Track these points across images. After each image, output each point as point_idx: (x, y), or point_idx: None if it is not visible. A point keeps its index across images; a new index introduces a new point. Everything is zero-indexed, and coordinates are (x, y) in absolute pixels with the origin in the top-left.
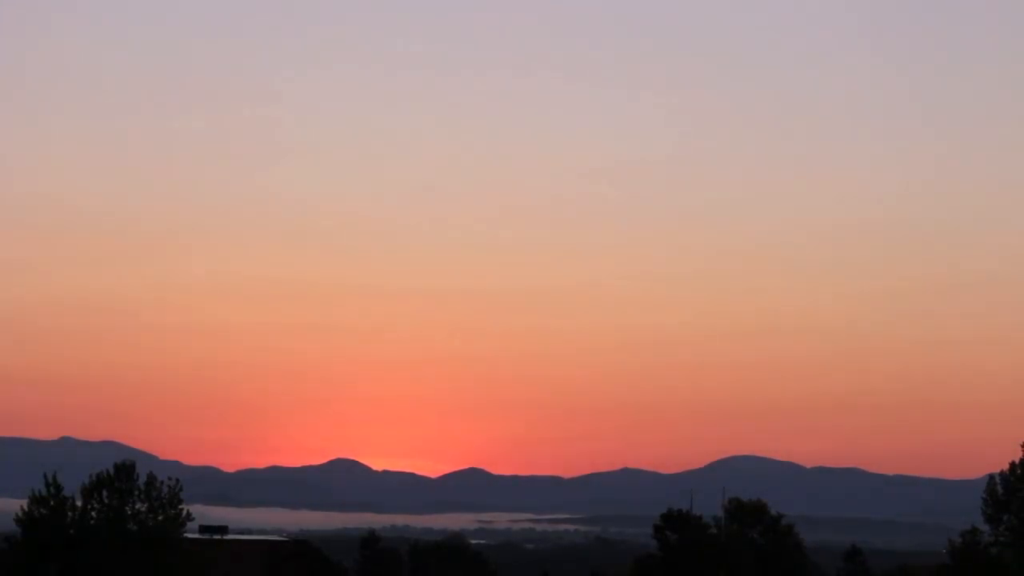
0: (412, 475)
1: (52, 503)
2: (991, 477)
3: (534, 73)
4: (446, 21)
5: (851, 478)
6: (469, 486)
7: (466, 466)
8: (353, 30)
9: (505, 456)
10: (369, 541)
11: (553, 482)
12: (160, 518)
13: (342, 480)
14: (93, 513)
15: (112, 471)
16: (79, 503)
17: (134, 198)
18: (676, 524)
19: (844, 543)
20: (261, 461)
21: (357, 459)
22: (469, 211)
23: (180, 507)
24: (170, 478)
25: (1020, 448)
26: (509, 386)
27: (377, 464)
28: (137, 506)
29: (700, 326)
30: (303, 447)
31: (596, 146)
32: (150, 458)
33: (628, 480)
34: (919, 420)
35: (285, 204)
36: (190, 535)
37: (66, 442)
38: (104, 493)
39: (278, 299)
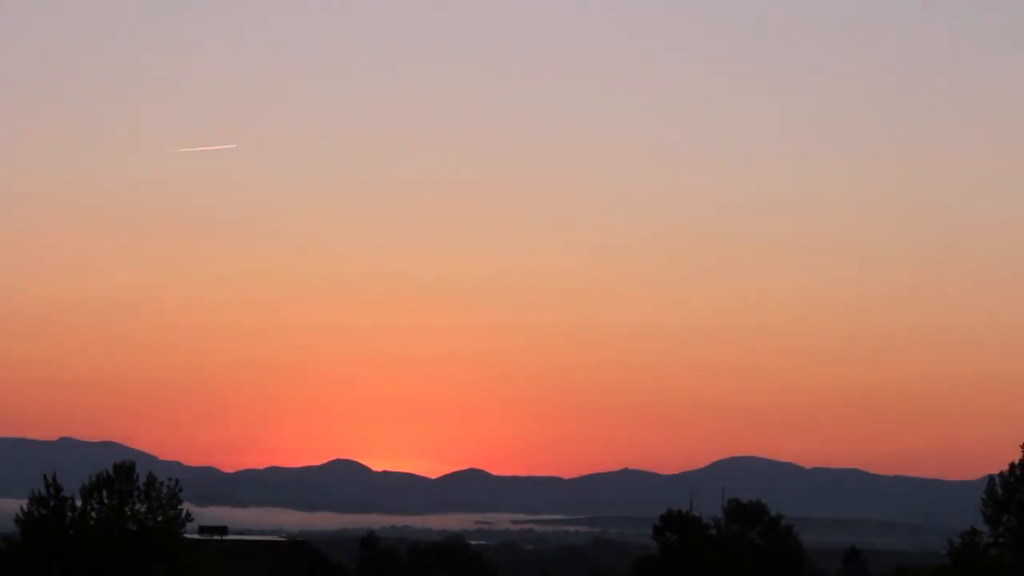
0: (412, 475)
1: (52, 503)
2: (991, 478)
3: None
4: None
5: (851, 478)
6: (469, 486)
7: (466, 466)
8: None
9: (505, 456)
10: (368, 541)
11: (553, 482)
12: (160, 518)
13: (342, 480)
14: (93, 513)
15: (112, 471)
16: (79, 503)
17: (133, 197)
18: (676, 525)
19: (844, 544)
20: (261, 461)
21: (357, 459)
22: (469, 208)
23: (180, 507)
24: (170, 479)
25: (1020, 449)
26: (509, 386)
27: (377, 464)
28: (137, 506)
29: (701, 326)
30: (303, 447)
31: (589, 142)
32: (150, 458)
33: (628, 480)
34: (919, 420)
35: (283, 204)
36: (190, 535)
37: (66, 442)
38: (104, 493)
39: (278, 299)
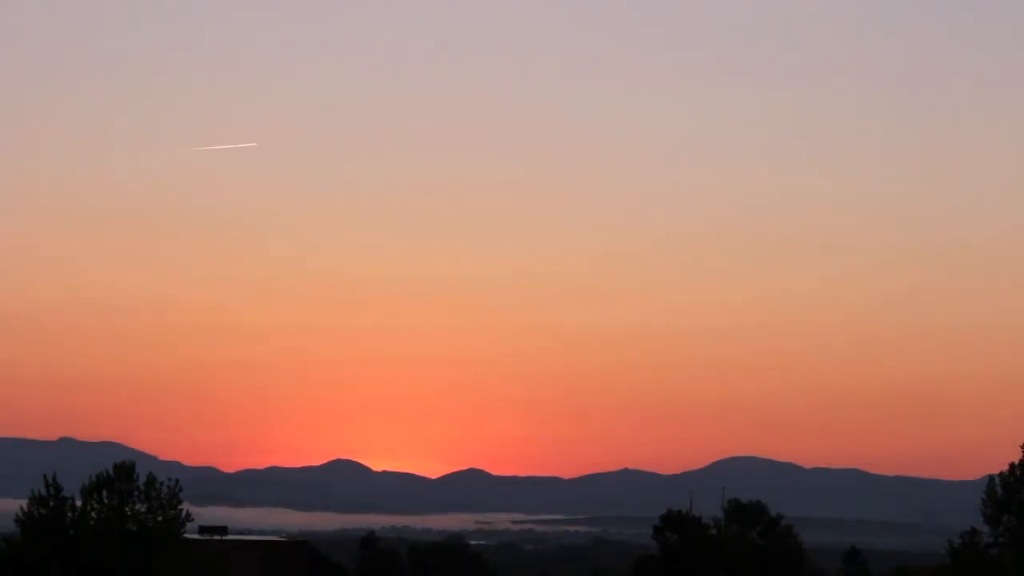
0: (412, 475)
1: (52, 503)
2: (991, 478)
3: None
4: None
5: (851, 478)
6: (469, 486)
7: (466, 466)
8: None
9: (505, 456)
10: (368, 541)
11: (553, 482)
12: (160, 518)
13: (342, 480)
14: (93, 513)
15: (112, 471)
16: (79, 503)
17: (134, 197)
18: (676, 525)
19: (843, 544)
20: (261, 461)
21: (357, 459)
22: (468, 209)
23: (180, 507)
24: (170, 479)
25: (1020, 449)
26: (509, 386)
27: (377, 464)
28: (137, 506)
29: (700, 325)
30: (303, 447)
31: (589, 142)
32: (150, 458)
33: (628, 480)
34: (919, 420)
35: (283, 204)
36: (190, 535)
37: (66, 442)
38: (104, 493)
39: (278, 299)
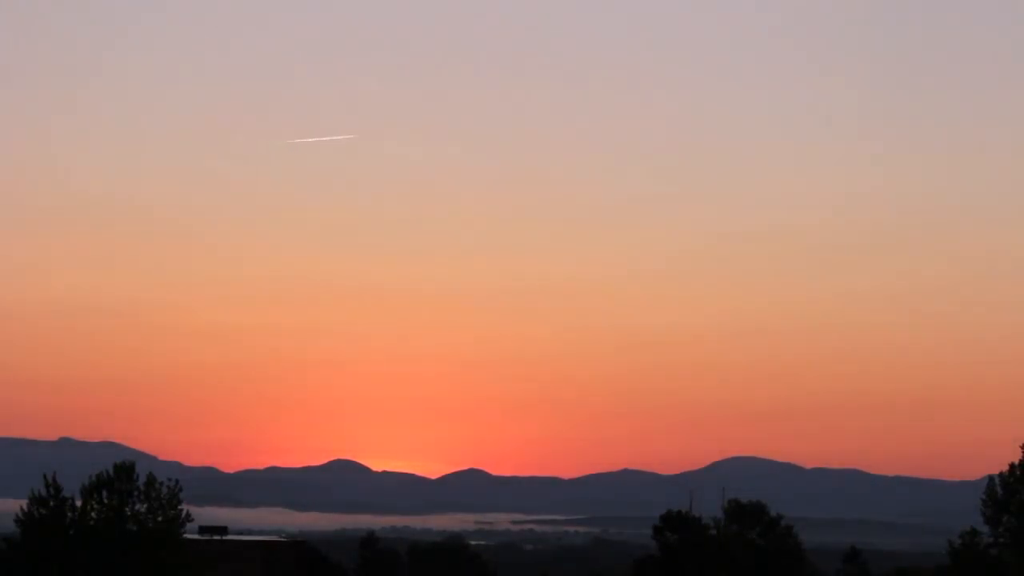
0: (411, 475)
1: (52, 503)
2: (990, 478)
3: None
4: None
5: (851, 479)
6: (469, 486)
7: (466, 466)
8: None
9: (505, 456)
10: (368, 542)
11: (553, 482)
12: (160, 518)
13: (342, 480)
14: (93, 514)
15: (112, 472)
16: (79, 504)
17: (135, 198)
18: (676, 525)
19: (843, 544)
20: (261, 461)
21: (357, 459)
22: (469, 211)
23: (180, 507)
24: (169, 479)
25: (1020, 449)
26: (509, 386)
27: (377, 464)
28: (137, 506)
29: (700, 326)
30: (303, 447)
31: (594, 147)
32: (150, 459)
33: (628, 480)
34: (919, 420)
35: (285, 203)
36: (190, 535)
37: (65, 443)
38: (104, 493)
39: (278, 300)
